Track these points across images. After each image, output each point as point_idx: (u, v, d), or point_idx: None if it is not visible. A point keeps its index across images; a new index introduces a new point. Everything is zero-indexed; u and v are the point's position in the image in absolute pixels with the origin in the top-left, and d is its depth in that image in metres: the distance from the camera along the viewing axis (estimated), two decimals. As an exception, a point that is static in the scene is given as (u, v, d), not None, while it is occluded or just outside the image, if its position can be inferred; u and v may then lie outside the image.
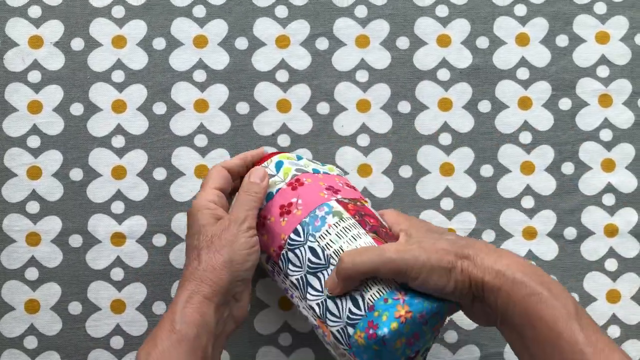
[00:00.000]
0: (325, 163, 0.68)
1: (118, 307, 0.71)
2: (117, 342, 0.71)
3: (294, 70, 0.73)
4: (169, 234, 0.72)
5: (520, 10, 0.73)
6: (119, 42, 0.72)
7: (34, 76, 0.72)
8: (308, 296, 0.59)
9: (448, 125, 0.73)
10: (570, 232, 0.73)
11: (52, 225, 0.71)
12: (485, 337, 0.72)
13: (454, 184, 0.72)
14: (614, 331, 0.72)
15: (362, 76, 0.73)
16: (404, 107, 0.72)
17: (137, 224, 0.72)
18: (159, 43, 0.73)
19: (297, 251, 0.60)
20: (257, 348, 0.71)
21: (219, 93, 0.72)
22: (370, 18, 0.73)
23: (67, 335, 0.71)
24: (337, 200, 0.61)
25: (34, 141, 0.72)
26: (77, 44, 0.72)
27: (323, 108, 0.73)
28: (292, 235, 0.61)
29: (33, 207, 0.71)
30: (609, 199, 0.73)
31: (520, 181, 0.73)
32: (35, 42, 0.72)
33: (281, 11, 0.73)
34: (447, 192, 0.72)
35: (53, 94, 0.72)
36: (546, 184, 0.73)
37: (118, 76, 0.72)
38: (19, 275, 0.71)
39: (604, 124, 0.73)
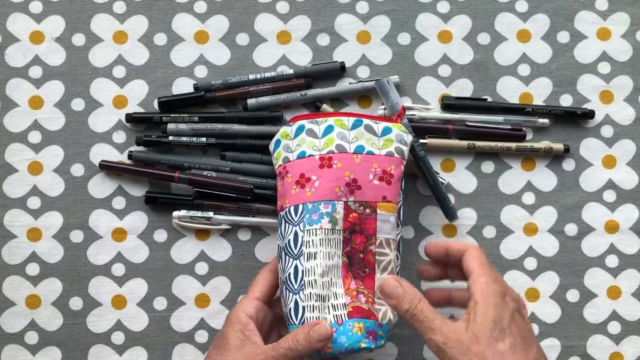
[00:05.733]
0: (393, 128, 0.65)
1: (119, 302, 0.71)
2: (118, 337, 0.71)
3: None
4: (170, 230, 0.72)
5: (522, 6, 0.73)
6: (120, 37, 0.72)
7: (35, 71, 0.72)
8: (283, 268, 0.63)
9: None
10: (571, 229, 0.73)
11: (53, 220, 0.71)
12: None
13: (454, 181, 0.72)
14: (614, 327, 0.72)
15: (364, 72, 0.73)
16: (406, 103, 0.72)
17: (138, 220, 0.72)
18: (160, 39, 0.73)
19: (286, 224, 0.63)
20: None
21: (220, 89, 0.73)
22: (371, 14, 0.73)
23: (68, 330, 0.71)
24: (345, 203, 0.63)
25: (35, 136, 0.72)
26: (78, 39, 0.72)
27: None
28: (292, 209, 0.63)
29: (34, 202, 0.71)
30: (609, 195, 0.73)
31: (521, 177, 0.73)
32: (36, 37, 0.72)
33: (282, 7, 0.73)
34: (448, 189, 0.72)
35: (54, 90, 0.72)
36: (547, 181, 0.73)
37: (119, 72, 0.72)
38: (20, 271, 0.71)
39: (605, 120, 0.73)
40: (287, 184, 0.64)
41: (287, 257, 0.63)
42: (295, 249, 0.62)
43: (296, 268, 0.62)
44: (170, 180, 0.70)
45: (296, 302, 0.61)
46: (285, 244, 0.63)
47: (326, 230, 0.62)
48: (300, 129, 0.65)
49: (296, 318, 0.61)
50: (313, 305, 0.61)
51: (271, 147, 0.67)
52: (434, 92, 0.73)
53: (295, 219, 0.63)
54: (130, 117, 0.71)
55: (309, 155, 0.64)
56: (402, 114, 0.68)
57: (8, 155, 0.72)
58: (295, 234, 0.63)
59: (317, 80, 0.72)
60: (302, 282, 0.62)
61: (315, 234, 0.62)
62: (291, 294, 0.62)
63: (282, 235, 0.64)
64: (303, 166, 0.64)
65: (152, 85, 0.72)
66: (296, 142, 0.65)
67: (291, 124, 0.66)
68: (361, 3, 0.73)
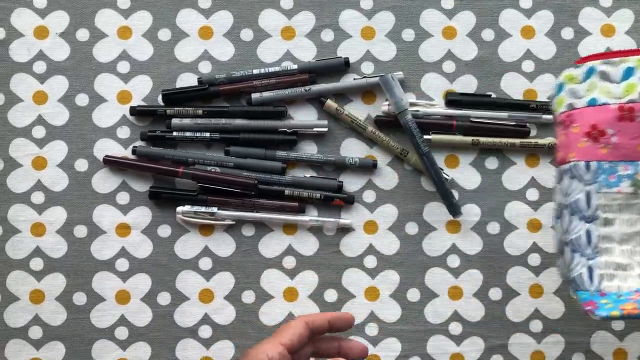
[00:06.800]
0: None
1: (123, 297, 0.71)
2: (121, 332, 0.71)
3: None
4: (174, 225, 0.72)
5: (526, 2, 0.73)
6: (124, 33, 0.72)
7: (39, 67, 0.72)
8: (564, 227, 0.58)
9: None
10: (574, 225, 0.73)
11: (57, 215, 0.71)
12: (490, 329, 0.72)
13: (458, 176, 0.72)
14: (618, 324, 0.72)
15: (368, 68, 0.73)
16: (410, 99, 0.72)
17: (142, 215, 0.72)
18: (165, 34, 0.73)
19: (572, 180, 0.57)
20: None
21: (224, 84, 0.73)
22: (375, 10, 0.73)
23: (72, 325, 0.71)
24: None
25: (39, 131, 0.72)
26: (83, 34, 0.72)
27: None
28: (581, 165, 0.57)
29: (38, 197, 0.71)
30: (613, 192, 0.73)
31: (525, 173, 0.73)
32: (41, 32, 0.72)
33: (286, 3, 0.73)
34: (452, 185, 0.72)
35: (58, 85, 0.72)
36: (551, 177, 0.73)
37: (123, 67, 0.72)
38: (24, 266, 0.71)
39: (609, 116, 0.73)
40: (573, 135, 0.57)
41: (574, 217, 0.57)
42: (588, 210, 0.57)
43: (588, 232, 0.57)
44: (174, 175, 0.70)
45: (590, 268, 0.57)
46: (572, 202, 0.57)
47: (626, 195, 0.56)
48: (591, 71, 0.57)
49: (591, 284, 0.57)
50: (612, 274, 0.56)
51: (552, 92, 0.59)
52: (438, 88, 0.73)
53: (587, 177, 0.56)
54: (134, 110, 0.71)
55: (603, 104, 0.56)
56: None
57: (12, 150, 0.72)
58: (588, 194, 0.56)
59: (321, 76, 0.72)
60: (598, 248, 0.57)
61: (614, 199, 0.56)
62: (583, 258, 0.57)
63: (564, 191, 0.58)
64: (595, 116, 0.56)
65: (156, 80, 0.72)
66: (585, 87, 0.57)
67: (579, 65, 0.58)
68: (365, -1, 0.73)
